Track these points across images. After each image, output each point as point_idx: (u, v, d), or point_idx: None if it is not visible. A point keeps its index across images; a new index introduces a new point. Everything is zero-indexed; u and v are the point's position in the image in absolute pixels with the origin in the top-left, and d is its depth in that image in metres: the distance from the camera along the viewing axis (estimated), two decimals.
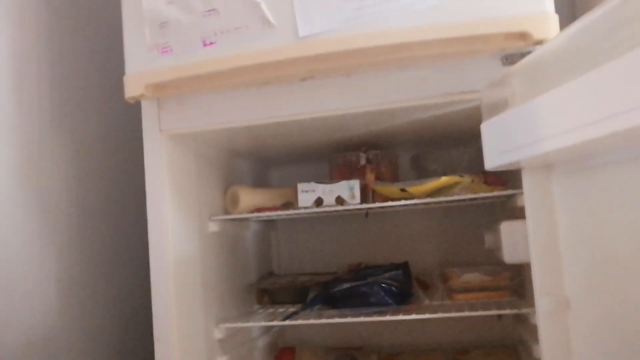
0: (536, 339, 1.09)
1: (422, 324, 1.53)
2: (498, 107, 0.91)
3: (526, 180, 0.91)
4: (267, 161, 1.60)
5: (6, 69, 1.10)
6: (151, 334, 1.13)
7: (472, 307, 1.18)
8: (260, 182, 1.62)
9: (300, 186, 1.23)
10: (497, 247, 1.26)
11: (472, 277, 1.26)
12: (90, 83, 1.35)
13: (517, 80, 0.87)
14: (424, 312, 1.16)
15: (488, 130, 0.84)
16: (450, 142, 1.41)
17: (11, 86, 1.11)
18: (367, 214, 1.49)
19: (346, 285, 1.22)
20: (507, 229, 1.12)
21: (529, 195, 0.91)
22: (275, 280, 1.48)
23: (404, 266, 1.32)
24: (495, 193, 1.15)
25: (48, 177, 1.18)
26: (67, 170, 1.24)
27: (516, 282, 1.26)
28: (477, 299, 1.26)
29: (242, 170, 1.51)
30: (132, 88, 1.09)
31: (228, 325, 1.26)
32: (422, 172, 1.40)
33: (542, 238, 0.91)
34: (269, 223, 1.66)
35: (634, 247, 0.72)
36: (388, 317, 1.17)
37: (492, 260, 1.31)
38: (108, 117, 1.41)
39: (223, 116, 1.11)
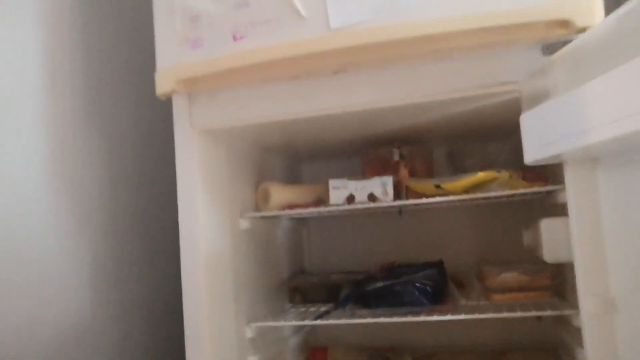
0: (580, 343, 1.04)
1: (457, 324, 1.48)
2: (538, 98, 0.87)
3: (569, 175, 0.87)
4: (298, 156, 1.58)
5: (41, 60, 1.11)
6: (182, 333, 1.12)
7: (510, 308, 1.13)
8: (291, 177, 1.60)
9: (332, 183, 1.21)
10: (537, 246, 1.22)
11: (510, 277, 1.21)
12: (123, 77, 1.36)
13: (559, 69, 0.83)
14: (459, 313, 1.13)
15: (528, 122, 0.80)
16: (487, 136, 1.37)
17: (45, 78, 1.12)
18: (400, 212, 1.46)
19: (379, 284, 1.19)
20: (547, 226, 1.07)
21: (572, 191, 0.87)
22: (307, 279, 1.47)
23: (439, 265, 1.28)
24: (535, 189, 1.10)
25: (81, 171, 1.19)
26: (100, 165, 1.25)
27: (557, 282, 1.21)
28: (516, 299, 1.21)
29: (273, 166, 1.50)
30: (163, 84, 1.09)
31: (259, 324, 1.25)
32: (458, 168, 1.36)
33: (586, 236, 0.87)
34: (300, 220, 1.64)
35: None
36: (422, 318, 1.14)
37: (531, 258, 1.27)
38: (140, 111, 1.41)
39: (254, 111, 1.09)
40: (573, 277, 1.11)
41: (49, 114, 1.12)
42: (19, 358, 1.00)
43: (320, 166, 1.64)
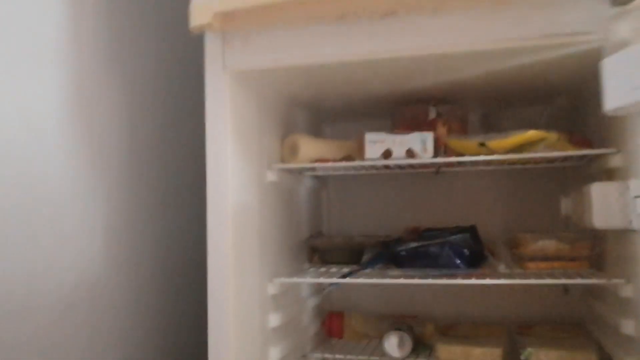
0: (625, 314, 1.00)
1: (482, 294, 1.44)
2: (614, 48, 0.81)
3: None
4: (323, 114, 1.51)
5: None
6: (201, 287, 1.06)
7: (550, 277, 1.08)
8: (315, 136, 1.53)
9: (369, 136, 1.14)
10: (580, 213, 1.17)
11: (548, 244, 1.16)
12: (149, 16, 1.27)
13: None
14: (499, 278, 1.08)
15: (611, 67, 0.74)
16: (526, 99, 1.31)
17: (67, 16, 1.03)
18: (438, 171, 1.37)
19: (413, 245, 1.13)
20: (598, 191, 1.02)
21: None
22: (328, 239, 1.41)
23: (472, 229, 1.22)
24: (590, 151, 1.04)
25: (100, 116, 1.11)
26: (120, 109, 1.16)
27: (596, 252, 1.17)
28: (552, 268, 1.17)
29: (298, 122, 1.42)
30: (198, 16, 1.01)
31: (283, 280, 1.19)
32: (493, 132, 1.30)
33: None
34: (321, 181, 1.57)
35: None
36: (459, 281, 1.09)
37: (564, 229, 1.22)
38: (166, 55, 1.32)
39: (292, 53, 1.02)
40: (617, 246, 1.07)
41: (69, 49, 1.03)
42: (31, 305, 0.93)
43: (343, 127, 1.57)
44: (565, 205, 1.21)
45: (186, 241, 1.35)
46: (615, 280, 1.01)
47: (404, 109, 1.29)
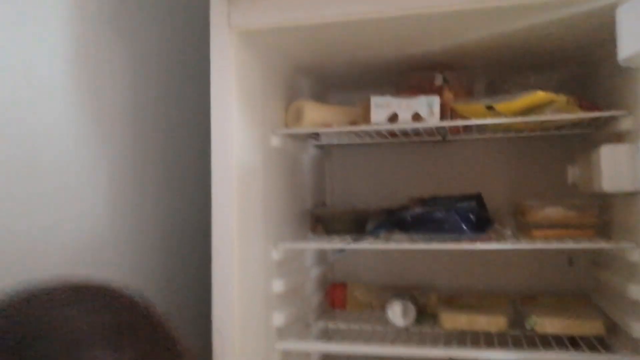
0: (634, 279, 0.99)
1: (486, 265, 1.43)
2: None
3: None
4: (329, 82, 1.49)
5: None
6: (206, 247, 1.05)
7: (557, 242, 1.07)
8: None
9: (375, 99, 1.13)
10: (585, 180, 1.16)
11: (555, 211, 1.15)
12: None
13: None
14: (506, 242, 1.07)
15: (627, 14, 0.72)
16: (533, 66, 1.29)
17: None
18: (444, 138, 1.35)
19: (419, 210, 1.12)
20: (608, 153, 1.01)
21: None
22: (331, 208, 1.39)
23: (478, 197, 1.21)
24: (601, 113, 1.03)
25: (104, 73, 1.09)
26: (124, 67, 1.14)
27: (603, 220, 1.15)
28: (558, 236, 1.15)
29: (303, 89, 1.41)
30: None
31: (287, 245, 1.18)
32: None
33: None
34: (325, 151, 1.56)
35: None
36: (464, 246, 1.07)
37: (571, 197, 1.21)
38: (170, 12, 1.30)
39: (298, 12, 1.00)
40: (625, 212, 1.06)
41: (73, 14, 1.01)
42: (36, 264, 0.91)
43: (349, 96, 1.54)
44: (572, 172, 1.20)
45: (191, 200, 1.34)
46: (624, 244, 1.00)
47: (409, 76, 1.27)
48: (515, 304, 1.31)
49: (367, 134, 1.29)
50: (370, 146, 1.50)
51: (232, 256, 1.03)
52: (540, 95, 1.02)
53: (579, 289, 1.37)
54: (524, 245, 1.05)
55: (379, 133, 1.27)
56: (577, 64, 1.26)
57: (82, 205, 1.02)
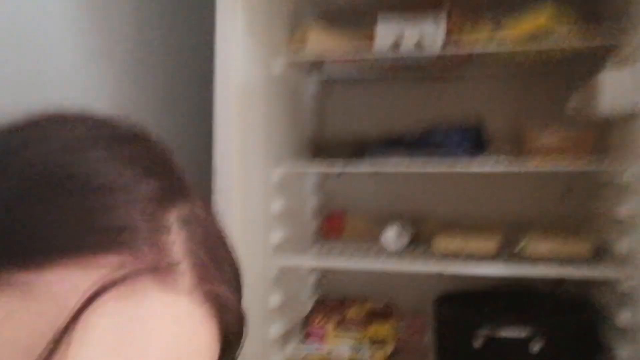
0: (622, 199, 1.01)
1: (484, 194, 1.44)
2: None
3: None
4: (332, 13, 1.48)
5: None
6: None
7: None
8: None
9: (382, 19, 1.12)
10: (585, 105, 1.16)
11: (552, 136, 1.16)
12: None
13: None
14: (499, 165, 1.09)
15: None
16: None
17: None
18: (446, 68, 1.34)
19: (417, 133, 1.14)
20: (609, 77, 1.02)
21: None
22: (332, 136, 1.41)
23: (479, 126, 1.23)
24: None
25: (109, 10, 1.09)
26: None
27: (599, 147, 1.17)
28: (555, 161, 1.17)
29: (307, 19, 1.41)
30: None
31: (287, 167, 1.20)
32: None
33: None
34: (326, 86, 1.56)
35: None
36: (460, 169, 1.10)
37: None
38: None
39: None
40: (620, 136, 1.08)
41: None
42: None
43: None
44: (574, 100, 1.20)
45: (198, 127, 1.36)
46: (616, 167, 1.02)
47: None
48: (510, 230, 1.34)
49: (371, 64, 1.29)
50: (373, 83, 1.49)
51: (233, 177, 1.06)
52: (543, 19, 1.03)
53: (575, 218, 1.39)
54: (517, 167, 1.07)
55: (381, 64, 1.27)
56: None
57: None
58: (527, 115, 1.42)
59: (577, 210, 1.39)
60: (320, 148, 1.40)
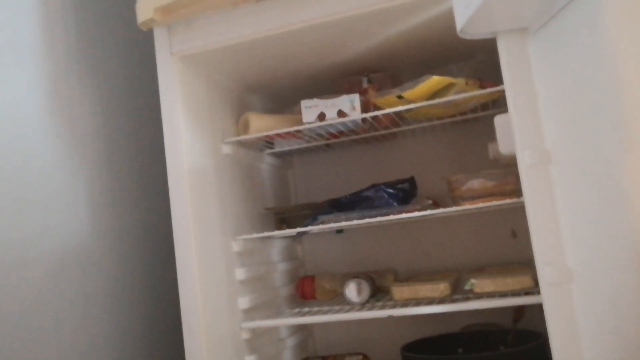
0: None
1: (439, 247, 1.57)
2: None
3: (502, 44, 0.95)
4: (277, 98, 1.68)
5: (35, 7, 1.23)
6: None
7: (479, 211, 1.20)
8: None
9: (304, 103, 1.31)
10: (496, 151, 1.30)
11: (476, 183, 1.29)
12: (112, 17, 1.46)
13: None
14: (425, 209, 1.21)
15: None
16: (449, 58, 1.45)
17: (40, 24, 1.23)
18: (373, 130, 1.50)
19: (351, 192, 1.28)
20: (500, 121, 1.15)
21: (506, 61, 0.95)
22: (286, 204, 1.55)
23: (410, 179, 1.36)
24: (489, 90, 1.18)
25: (76, 105, 1.29)
26: (93, 100, 1.35)
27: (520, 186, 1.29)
28: (484, 202, 1.29)
29: (254, 105, 1.60)
30: (143, 13, 1.20)
31: (245, 237, 1.34)
32: None
33: (521, 100, 0.95)
34: (286, 159, 1.73)
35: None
36: (391, 217, 1.22)
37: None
38: (129, 48, 1.51)
39: (226, 33, 1.20)
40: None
41: (43, 53, 1.23)
42: (25, 268, 1.09)
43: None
44: (492, 148, 1.34)
45: (161, 210, 1.51)
46: None
47: (342, 82, 1.45)
48: (463, 275, 1.44)
49: (311, 136, 1.46)
50: (325, 150, 1.67)
51: (190, 247, 1.20)
52: (435, 80, 1.19)
53: (524, 258, 1.49)
54: (440, 211, 1.19)
55: (320, 134, 1.44)
56: (487, 53, 1.42)
57: (64, 218, 1.21)
58: (459, 164, 1.56)
59: (528, 249, 1.49)
60: (280, 216, 1.54)
